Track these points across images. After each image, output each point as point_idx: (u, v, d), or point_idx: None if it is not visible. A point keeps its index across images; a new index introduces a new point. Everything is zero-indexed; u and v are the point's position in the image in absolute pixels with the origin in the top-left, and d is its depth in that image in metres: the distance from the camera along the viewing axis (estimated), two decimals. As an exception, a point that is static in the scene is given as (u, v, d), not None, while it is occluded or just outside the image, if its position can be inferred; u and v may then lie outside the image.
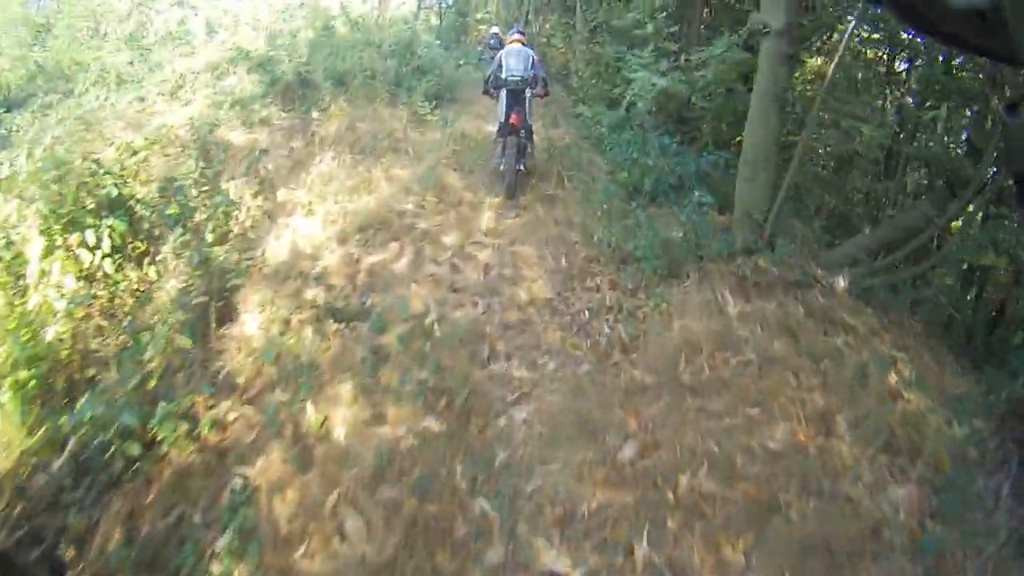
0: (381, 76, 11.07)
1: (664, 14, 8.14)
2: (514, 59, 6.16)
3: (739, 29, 7.64)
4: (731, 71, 7.21)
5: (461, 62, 18.42)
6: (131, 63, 11.40)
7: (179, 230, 4.98)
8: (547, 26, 17.67)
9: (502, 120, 6.07)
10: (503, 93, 6.16)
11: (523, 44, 6.54)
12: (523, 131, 6.12)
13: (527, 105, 6.25)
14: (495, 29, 16.61)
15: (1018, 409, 2.50)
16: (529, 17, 17.35)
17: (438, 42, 19.12)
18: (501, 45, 13.14)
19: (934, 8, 0.47)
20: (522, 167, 6.28)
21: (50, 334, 4.15)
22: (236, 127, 8.61)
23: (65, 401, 3.86)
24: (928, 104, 6.07)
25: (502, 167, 6.10)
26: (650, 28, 8.16)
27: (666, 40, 8.56)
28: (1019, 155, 0.53)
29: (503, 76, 6.12)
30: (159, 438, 3.31)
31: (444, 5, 28.84)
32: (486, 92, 6.68)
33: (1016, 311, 5.45)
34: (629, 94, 7.43)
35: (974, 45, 0.48)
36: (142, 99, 9.52)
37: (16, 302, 4.39)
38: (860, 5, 5.87)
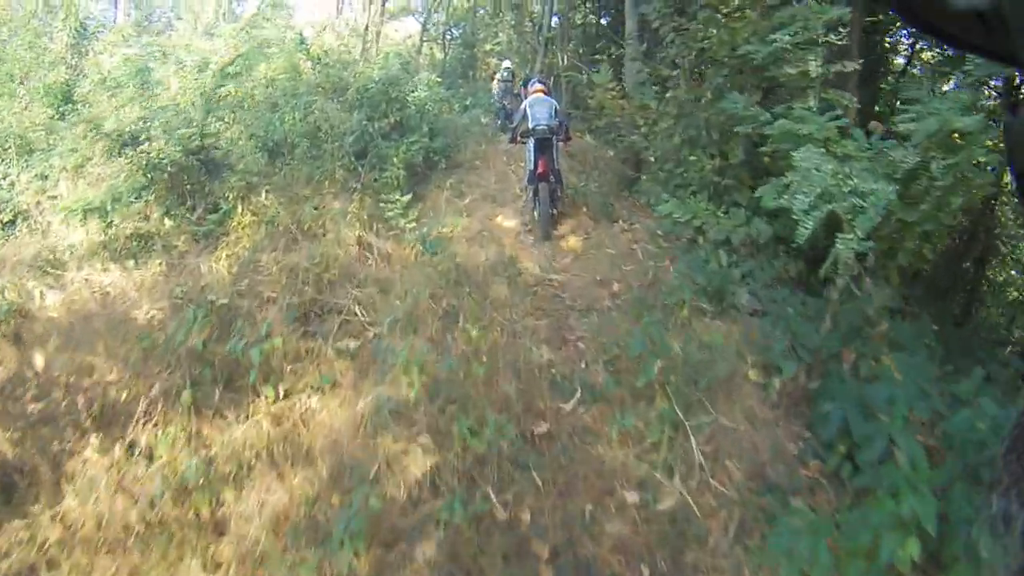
0: (337, 142, 7.06)
1: (839, 36, 4.07)
2: (539, 109, 5.96)
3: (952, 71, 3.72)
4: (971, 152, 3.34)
5: (468, 102, 14.75)
6: (59, 119, 7.72)
7: None
8: (565, 57, 13.86)
9: (531, 168, 5.88)
10: (531, 143, 5.93)
11: (545, 94, 6.32)
12: (552, 177, 5.87)
13: (554, 152, 6.00)
14: (508, 63, 12.88)
15: None
16: (550, 47, 13.42)
17: (439, 80, 15.45)
18: (513, 79, 11.67)
19: (934, 8, 0.47)
20: (555, 211, 6.08)
21: None
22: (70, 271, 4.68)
23: None
24: None
25: (536, 212, 5.95)
26: (814, 65, 4.08)
27: (831, 88, 4.44)
28: (1021, 155, 0.50)
29: (530, 126, 5.90)
30: None
31: (449, 37, 25.02)
32: (512, 140, 6.56)
33: None
34: (800, 202, 3.34)
35: (974, 45, 0.48)
36: (44, 176, 6.78)
37: None
38: None
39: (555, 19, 14.14)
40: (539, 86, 6.48)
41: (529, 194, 6.23)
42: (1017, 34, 0.41)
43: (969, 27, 0.45)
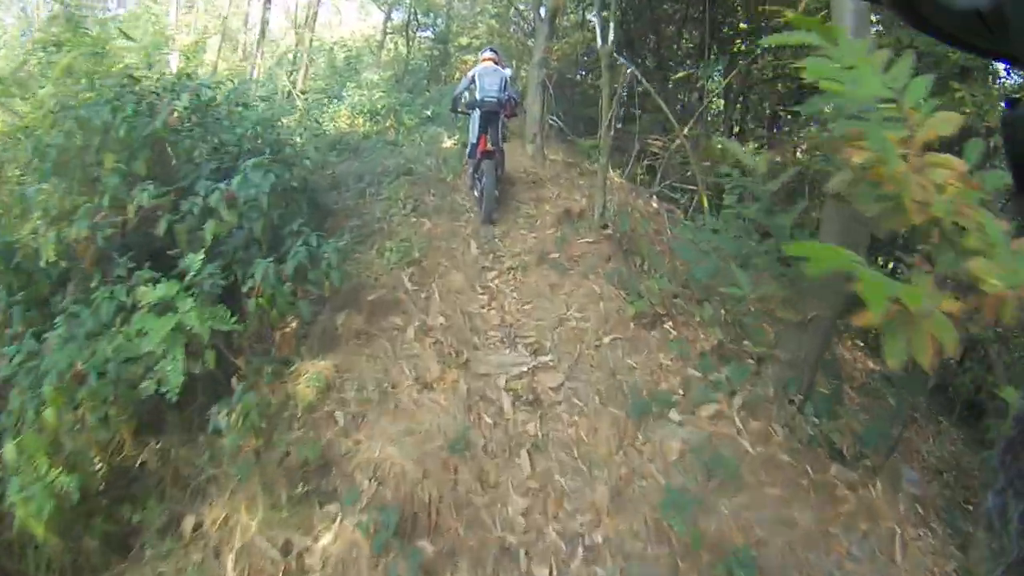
0: None
1: None
2: (489, 80, 5.25)
3: None
4: None
5: (429, 111, 10.00)
6: None
7: None
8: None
9: (474, 142, 5.22)
10: (476, 115, 5.25)
11: (496, 63, 5.50)
12: (497, 154, 5.15)
13: (500, 127, 5.28)
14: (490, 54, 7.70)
15: None
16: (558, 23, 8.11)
17: (382, 78, 10.54)
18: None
19: (934, 8, 0.45)
20: (496, 191, 5.13)
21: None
22: None
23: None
24: None
25: (477, 192, 5.25)
26: None
27: None
28: (1020, 148, 0.47)
29: (478, 97, 5.20)
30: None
31: (416, 28, 18.99)
32: (453, 110, 5.70)
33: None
34: None
35: (974, 45, 0.46)
36: None
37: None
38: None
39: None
40: (490, 55, 5.62)
41: (469, 170, 5.52)
42: (1018, 34, 0.40)
43: (969, 26, 0.43)
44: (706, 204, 5.56)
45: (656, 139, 8.29)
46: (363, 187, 4.60)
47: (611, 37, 4.37)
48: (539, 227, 4.35)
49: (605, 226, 4.29)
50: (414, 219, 4.05)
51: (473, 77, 5.38)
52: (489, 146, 5.06)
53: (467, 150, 5.44)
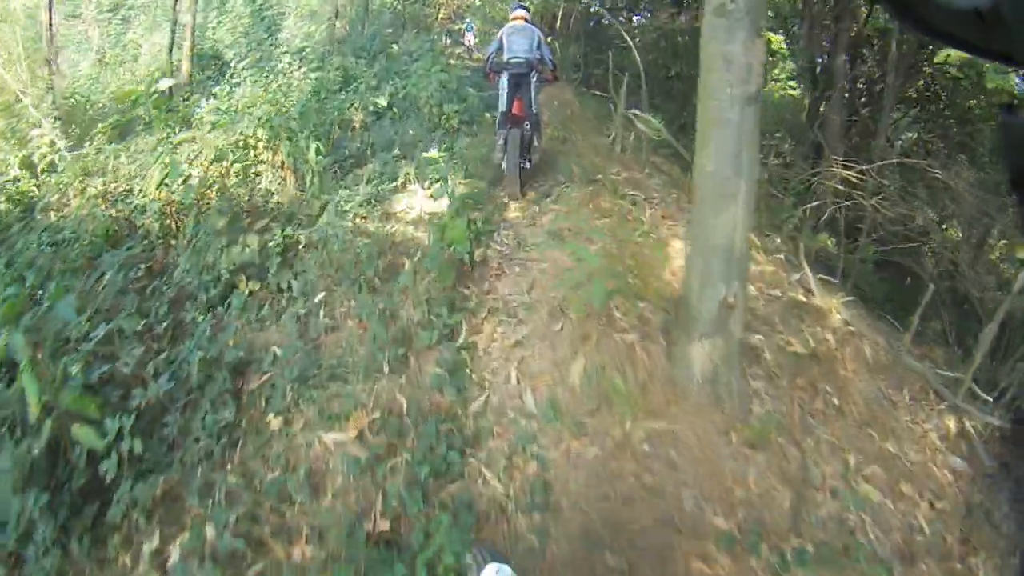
0: None
1: None
2: (517, 39, 4.78)
3: None
4: None
5: (387, 96, 4.97)
6: None
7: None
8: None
9: (503, 110, 4.75)
10: (503, 78, 4.76)
11: (526, 21, 4.99)
12: (527, 122, 4.75)
13: (532, 92, 4.80)
14: (521, 12, 4.92)
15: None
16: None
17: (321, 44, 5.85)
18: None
19: (932, 7, 0.43)
20: (527, 164, 4.86)
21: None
22: None
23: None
24: None
25: (503, 165, 4.71)
26: None
27: None
28: (1018, 154, 0.46)
29: (505, 59, 4.75)
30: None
31: None
32: (486, 76, 5.08)
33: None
34: None
35: (973, 45, 0.44)
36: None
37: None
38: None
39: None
40: (520, 12, 5.01)
41: (500, 141, 4.82)
42: (1016, 34, 0.39)
43: (968, 26, 0.41)
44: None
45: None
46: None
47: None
48: None
49: None
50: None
51: (501, 38, 4.89)
52: (518, 112, 4.63)
53: (498, 120, 4.87)
